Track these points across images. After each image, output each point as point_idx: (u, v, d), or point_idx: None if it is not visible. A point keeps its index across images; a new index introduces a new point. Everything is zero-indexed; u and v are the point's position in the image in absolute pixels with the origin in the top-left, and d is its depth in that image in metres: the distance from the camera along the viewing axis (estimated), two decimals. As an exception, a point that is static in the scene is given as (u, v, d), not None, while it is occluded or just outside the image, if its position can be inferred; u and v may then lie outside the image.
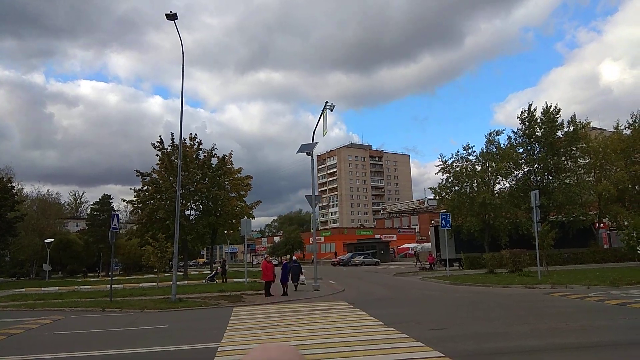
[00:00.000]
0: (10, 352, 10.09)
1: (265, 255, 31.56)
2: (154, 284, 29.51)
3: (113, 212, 30.04)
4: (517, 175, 40.03)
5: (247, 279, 28.68)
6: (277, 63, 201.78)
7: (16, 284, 40.88)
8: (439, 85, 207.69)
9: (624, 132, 40.87)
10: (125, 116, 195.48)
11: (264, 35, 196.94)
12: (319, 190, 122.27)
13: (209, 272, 43.59)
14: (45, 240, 47.48)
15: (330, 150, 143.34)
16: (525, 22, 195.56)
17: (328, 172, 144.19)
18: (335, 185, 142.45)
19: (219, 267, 31.05)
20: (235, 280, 32.15)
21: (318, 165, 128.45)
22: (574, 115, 39.03)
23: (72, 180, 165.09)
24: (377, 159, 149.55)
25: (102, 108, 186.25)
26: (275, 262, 39.97)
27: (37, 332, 13.30)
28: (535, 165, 39.09)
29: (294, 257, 25.93)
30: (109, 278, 32.80)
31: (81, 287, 31.67)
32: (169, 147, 37.75)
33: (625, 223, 38.34)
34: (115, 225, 21.22)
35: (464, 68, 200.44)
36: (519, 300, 16.43)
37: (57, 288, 30.99)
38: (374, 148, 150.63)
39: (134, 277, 45.35)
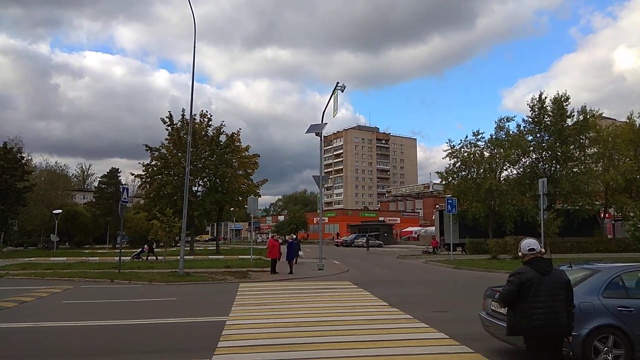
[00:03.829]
0: (22, 319, 10.35)
1: (273, 234, 32.07)
2: (161, 257, 30.04)
3: (123, 186, 30.32)
4: (524, 162, 39.89)
5: (252, 256, 29.06)
6: (284, 40, 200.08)
7: (24, 253, 41.51)
8: (447, 68, 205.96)
9: (636, 122, 40.52)
10: (130, 89, 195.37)
11: (272, 11, 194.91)
12: (324, 171, 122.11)
13: (214, 247, 44.29)
14: (54, 211, 48.01)
15: (337, 132, 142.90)
16: (539, 5, 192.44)
17: (334, 153, 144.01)
18: (341, 167, 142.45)
19: (145, 245, 32.12)
20: (241, 256, 32.52)
21: (324, 146, 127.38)
22: (584, 106, 38.68)
23: (78, 152, 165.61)
24: (383, 141, 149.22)
25: (107, 80, 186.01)
26: (280, 241, 40.57)
27: (47, 300, 13.59)
28: (544, 153, 38.88)
29: (294, 236, 27.14)
30: (116, 250, 33.34)
31: (89, 258, 32.12)
32: (179, 123, 37.76)
33: (631, 214, 38.25)
34: (125, 198, 21.49)
35: (474, 51, 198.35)
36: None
37: (65, 258, 31.47)
38: (380, 130, 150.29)
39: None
